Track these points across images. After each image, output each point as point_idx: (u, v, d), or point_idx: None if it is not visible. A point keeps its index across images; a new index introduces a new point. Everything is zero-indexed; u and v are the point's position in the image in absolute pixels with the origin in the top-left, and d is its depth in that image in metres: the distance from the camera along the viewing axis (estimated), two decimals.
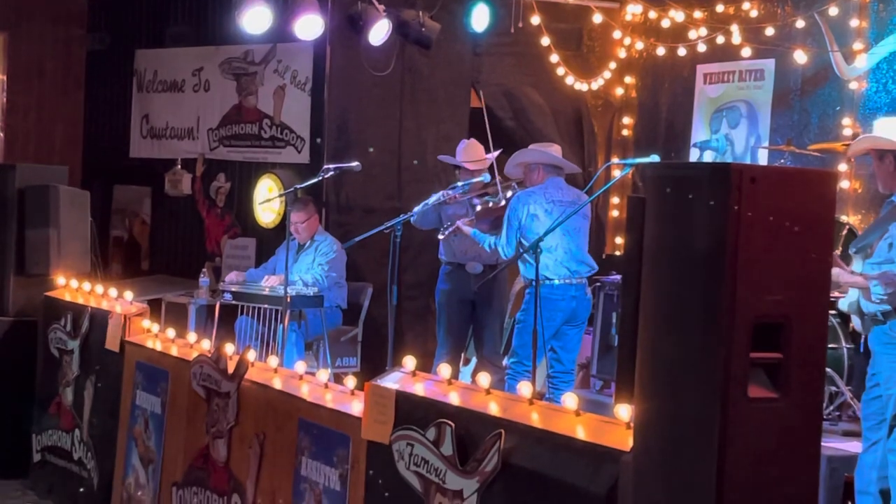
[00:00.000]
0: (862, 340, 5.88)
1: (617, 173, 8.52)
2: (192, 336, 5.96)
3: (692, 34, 9.14)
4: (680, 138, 9.61)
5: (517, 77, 9.97)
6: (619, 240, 9.95)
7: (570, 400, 3.78)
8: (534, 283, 7.08)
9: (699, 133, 9.45)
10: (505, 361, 7.73)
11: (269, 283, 8.12)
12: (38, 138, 11.43)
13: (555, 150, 7.62)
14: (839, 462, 5.69)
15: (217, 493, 5.24)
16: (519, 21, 9.30)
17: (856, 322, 5.64)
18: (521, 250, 7.15)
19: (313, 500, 4.60)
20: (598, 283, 8.42)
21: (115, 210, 11.37)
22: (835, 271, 5.38)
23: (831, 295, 6.21)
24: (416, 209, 7.75)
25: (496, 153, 8.15)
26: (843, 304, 5.67)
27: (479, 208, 7.76)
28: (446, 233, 7.80)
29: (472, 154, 8.05)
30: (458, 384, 4.31)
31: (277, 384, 5.04)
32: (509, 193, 7.65)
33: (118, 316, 6.30)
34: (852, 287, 5.51)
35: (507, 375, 7.25)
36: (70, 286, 7.11)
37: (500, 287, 8.02)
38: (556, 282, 7.23)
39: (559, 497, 3.51)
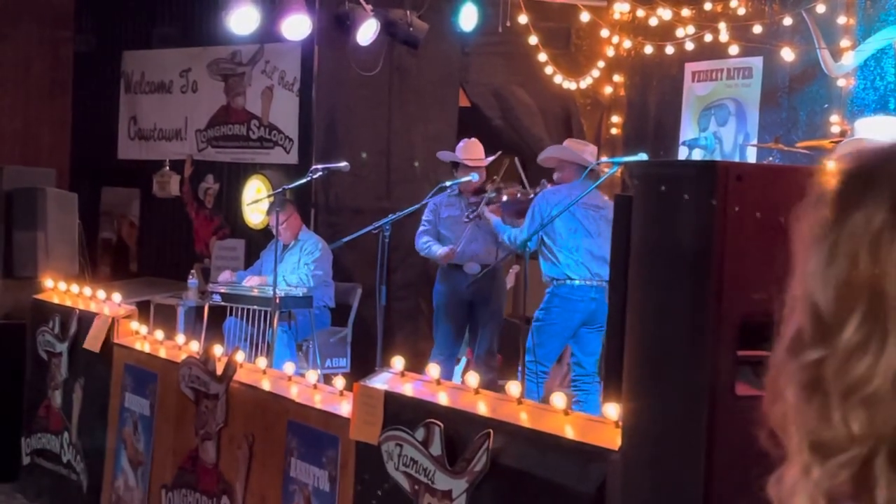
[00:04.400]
0: None
1: (605, 172, 8.51)
2: (180, 338, 5.95)
3: (680, 32, 9.15)
4: (669, 136, 9.61)
5: (505, 76, 9.97)
6: None
7: (558, 399, 3.78)
8: (555, 281, 7.11)
9: (688, 131, 9.45)
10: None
11: (251, 284, 8.13)
12: (26, 140, 11.40)
13: (590, 151, 7.57)
14: None
15: (206, 494, 5.22)
16: (507, 20, 9.30)
17: None
18: (562, 255, 7.12)
19: (302, 502, 4.59)
20: None
21: (104, 212, 11.34)
22: None
23: None
24: (420, 244, 7.95)
25: (495, 156, 8.15)
26: None
27: (505, 198, 7.71)
28: (472, 216, 7.73)
29: (472, 152, 8.05)
30: (446, 384, 4.30)
31: (266, 385, 5.03)
32: (538, 189, 7.62)
33: (104, 318, 6.28)
34: None
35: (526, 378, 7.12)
36: (58, 289, 7.09)
37: (497, 286, 8.01)
38: (577, 282, 7.17)
39: (548, 496, 3.51)
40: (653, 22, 9.38)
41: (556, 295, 7.17)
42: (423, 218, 7.97)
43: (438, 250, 7.86)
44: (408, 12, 8.76)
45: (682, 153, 9.31)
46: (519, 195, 7.74)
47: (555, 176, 7.52)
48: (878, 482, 1.03)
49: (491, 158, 8.09)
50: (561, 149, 7.59)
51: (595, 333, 7.33)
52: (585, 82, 10.08)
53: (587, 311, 7.19)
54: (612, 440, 3.34)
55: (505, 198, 7.73)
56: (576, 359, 7.32)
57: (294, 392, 4.87)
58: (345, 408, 4.49)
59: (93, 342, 6.27)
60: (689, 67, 9.44)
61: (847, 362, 1.04)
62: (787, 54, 8.37)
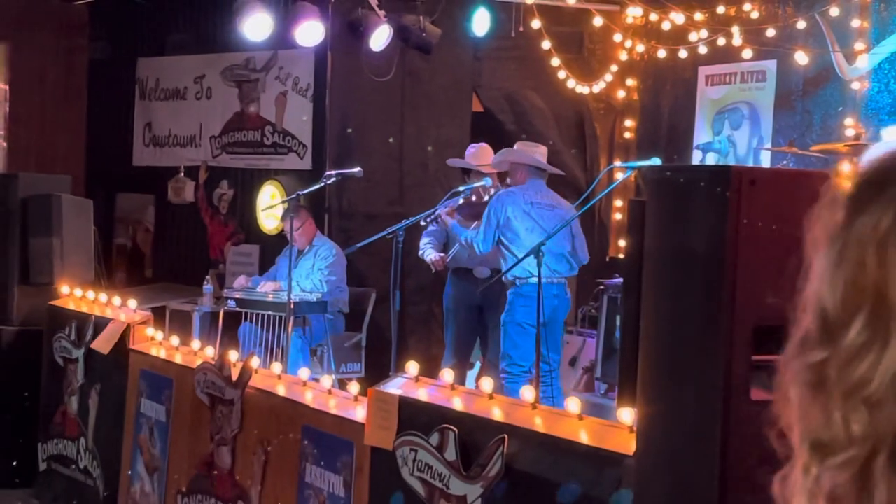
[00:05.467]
0: None
1: (619, 176, 8.53)
2: (195, 343, 5.96)
3: (693, 36, 9.14)
4: (682, 140, 9.60)
5: (518, 81, 9.97)
6: (622, 243, 9.94)
7: (573, 404, 3.78)
8: (518, 280, 7.18)
9: (701, 135, 9.44)
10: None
11: (265, 290, 8.14)
12: (41, 148, 11.44)
13: (541, 152, 7.66)
14: None
15: (222, 500, 5.24)
16: (519, 25, 9.30)
17: None
18: (522, 255, 7.14)
19: None
20: (602, 287, 8.41)
21: (119, 218, 11.38)
22: None
23: None
24: (420, 245, 7.97)
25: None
26: None
27: (461, 201, 7.78)
28: (429, 219, 7.79)
29: (484, 157, 8.06)
30: (461, 389, 4.31)
31: (281, 391, 5.04)
32: (492, 191, 7.68)
33: (119, 323, 6.30)
34: None
35: (504, 379, 7.21)
36: (74, 295, 7.11)
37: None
38: (528, 281, 7.21)
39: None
40: (666, 26, 9.37)
41: (520, 294, 7.22)
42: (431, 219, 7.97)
43: (430, 255, 7.91)
44: (420, 18, 8.76)
45: (696, 157, 9.30)
46: (474, 198, 7.76)
47: (507, 179, 7.60)
48: (878, 484, 1.04)
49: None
50: (512, 152, 7.66)
51: (559, 332, 7.52)
52: (598, 86, 10.08)
53: (550, 308, 7.22)
54: (627, 445, 3.34)
55: (461, 200, 7.76)
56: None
57: (309, 397, 4.88)
58: (359, 413, 4.50)
59: (102, 344, 6.28)
60: (703, 71, 9.44)
61: (850, 363, 1.06)
62: (801, 57, 8.36)
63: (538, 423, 3.79)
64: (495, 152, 8.21)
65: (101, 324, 6.49)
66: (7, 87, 11.38)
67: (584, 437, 3.59)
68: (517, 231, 7.25)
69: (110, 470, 6.27)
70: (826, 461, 1.07)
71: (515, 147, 7.75)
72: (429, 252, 7.94)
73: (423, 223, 7.84)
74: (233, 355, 5.34)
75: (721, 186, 2.86)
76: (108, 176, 11.32)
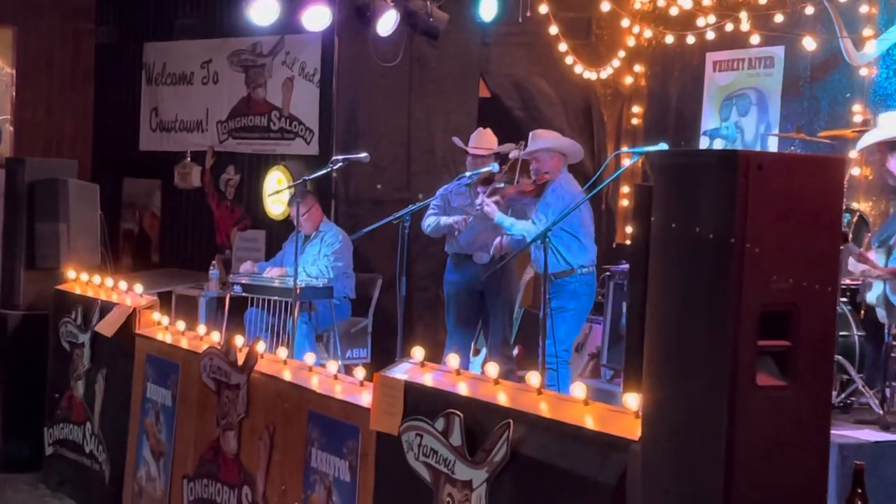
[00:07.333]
0: (887, 331, 5.92)
1: (626, 162, 8.52)
2: (202, 328, 5.96)
3: (701, 22, 9.12)
4: (690, 126, 9.59)
5: (526, 67, 9.95)
6: (629, 229, 9.93)
7: (578, 389, 3.78)
8: (582, 269, 7.19)
9: (709, 121, 9.42)
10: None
11: (272, 275, 8.15)
12: (48, 132, 11.46)
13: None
14: (851, 450, 5.66)
15: (228, 485, 5.24)
16: (527, 10, 9.28)
17: (880, 314, 5.73)
18: (588, 242, 7.22)
19: (323, 492, 4.61)
20: (609, 273, 8.41)
21: (126, 203, 11.39)
22: (864, 268, 5.55)
23: (844, 283, 6.24)
24: (426, 224, 7.82)
25: (507, 145, 8.09)
26: (870, 298, 5.76)
27: (507, 189, 7.62)
28: (477, 209, 7.63)
29: (480, 141, 8.02)
30: (466, 374, 4.31)
31: (287, 376, 5.04)
32: (497, 175, 7.62)
33: (125, 307, 6.31)
34: (878, 280, 5.66)
35: (554, 365, 7.12)
36: (80, 279, 7.12)
37: (509, 277, 7.99)
38: (592, 269, 7.30)
39: (568, 487, 3.51)
40: (674, 11, 9.35)
41: (585, 283, 7.24)
42: (432, 202, 7.94)
43: (447, 220, 7.77)
44: (428, 3, 8.75)
45: (704, 143, 9.29)
46: (515, 187, 7.70)
47: (540, 167, 7.47)
48: None
49: (505, 147, 8.02)
50: (555, 139, 7.59)
51: None
52: (606, 72, 10.06)
53: (596, 295, 7.47)
54: (633, 430, 3.33)
55: (512, 191, 7.67)
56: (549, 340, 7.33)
57: (315, 382, 4.88)
58: (365, 398, 4.50)
59: (106, 327, 6.29)
60: (711, 57, 9.41)
61: None
62: (809, 43, 8.33)
63: (543, 409, 3.79)
64: (501, 139, 8.18)
65: (107, 308, 6.50)
66: (14, 72, 11.38)
67: (589, 423, 3.58)
68: (585, 218, 7.27)
69: (116, 454, 6.28)
70: None
71: (537, 134, 7.66)
72: (444, 218, 7.83)
73: (476, 210, 7.62)
74: (239, 340, 5.34)
75: (728, 171, 2.85)
76: (115, 161, 11.34)
